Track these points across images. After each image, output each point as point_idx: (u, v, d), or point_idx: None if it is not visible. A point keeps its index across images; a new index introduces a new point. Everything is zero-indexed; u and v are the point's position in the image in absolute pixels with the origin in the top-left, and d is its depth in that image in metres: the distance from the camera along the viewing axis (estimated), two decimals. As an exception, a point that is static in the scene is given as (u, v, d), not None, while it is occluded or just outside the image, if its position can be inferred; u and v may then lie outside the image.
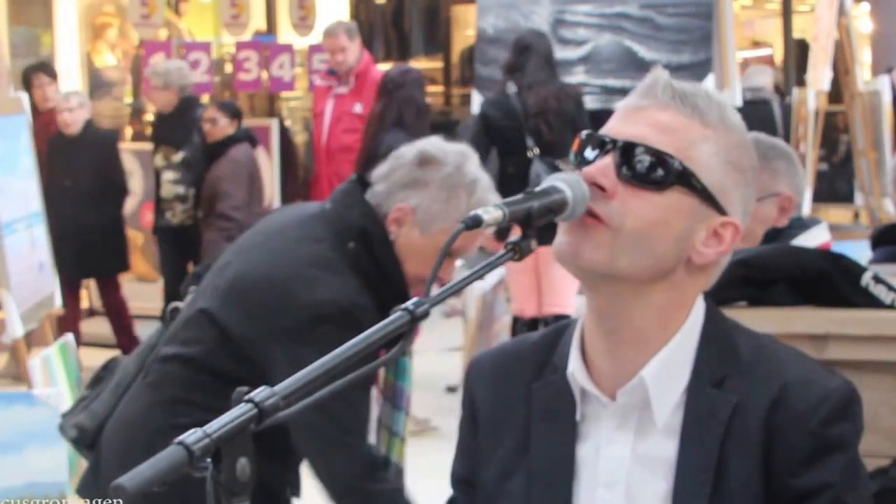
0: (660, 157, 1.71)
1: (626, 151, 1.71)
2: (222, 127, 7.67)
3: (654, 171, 1.71)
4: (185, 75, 8.34)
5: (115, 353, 8.05)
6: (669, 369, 1.73)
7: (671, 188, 1.71)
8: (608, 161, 1.71)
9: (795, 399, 1.69)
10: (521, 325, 6.86)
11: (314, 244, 2.91)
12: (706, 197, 1.73)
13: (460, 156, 2.99)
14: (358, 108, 8.28)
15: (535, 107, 6.80)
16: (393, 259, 2.90)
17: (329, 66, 8.63)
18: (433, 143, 3.01)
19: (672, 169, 1.71)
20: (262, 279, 2.86)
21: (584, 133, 1.77)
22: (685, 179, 1.71)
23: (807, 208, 7.17)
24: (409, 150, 3.00)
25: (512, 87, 6.94)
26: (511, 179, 6.69)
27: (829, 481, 1.67)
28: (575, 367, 1.77)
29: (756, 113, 8.91)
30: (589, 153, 1.74)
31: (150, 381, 2.93)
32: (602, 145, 1.73)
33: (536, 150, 6.81)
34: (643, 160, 1.71)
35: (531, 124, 6.83)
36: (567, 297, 6.74)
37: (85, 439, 2.99)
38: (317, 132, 8.75)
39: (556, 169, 6.54)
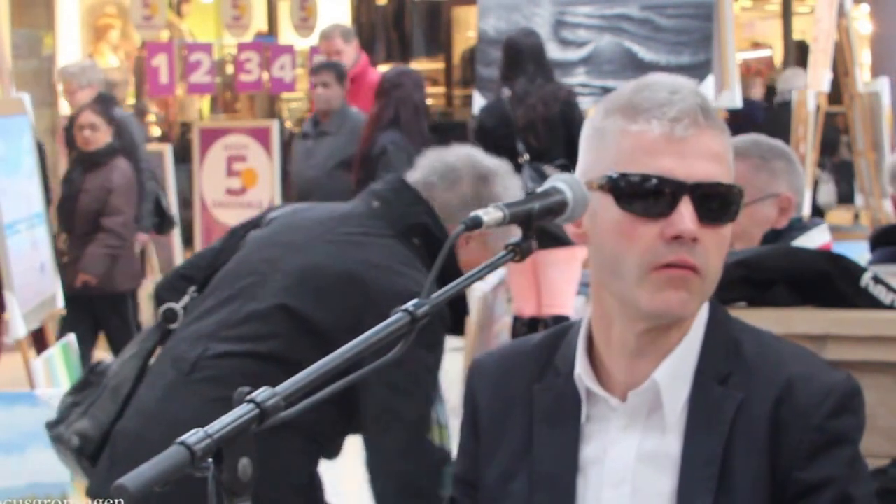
0: (731, 192, 1.72)
1: (703, 194, 1.69)
2: (103, 133, 7.10)
3: (729, 207, 1.71)
4: (99, 71, 8.06)
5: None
6: (679, 369, 1.74)
7: (738, 215, 1.73)
8: (690, 209, 1.68)
9: (799, 394, 1.70)
10: (520, 323, 6.88)
11: (384, 239, 2.95)
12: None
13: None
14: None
15: (522, 119, 6.83)
16: (454, 259, 2.93)
17: None
18: (480, 156, 3.07)
19: (738, 197, 1.73)
20: (342, 271, 2.89)
21: (641, 177, 1.70)
22: (742, 201, 1.74)
23: (807, 208, 7.17)
24: (462, 163, 3.04)
25: (506, 92, 6.96)
26: None
27: (834, 475, 1.68)
28: (582, 370, 1.77)
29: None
30: (654, 196, 1.69)
31: (206, 377, 2.89)
32: (667, 188, 1.69)
33: (526, 157, 6.83)
34: (719, 199, 1.70)
35: (521, 136, 6.86)
36: (566, 297, 6.75)
37: (89, 447, 2.95)
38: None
39: (543, 175, 6.58)
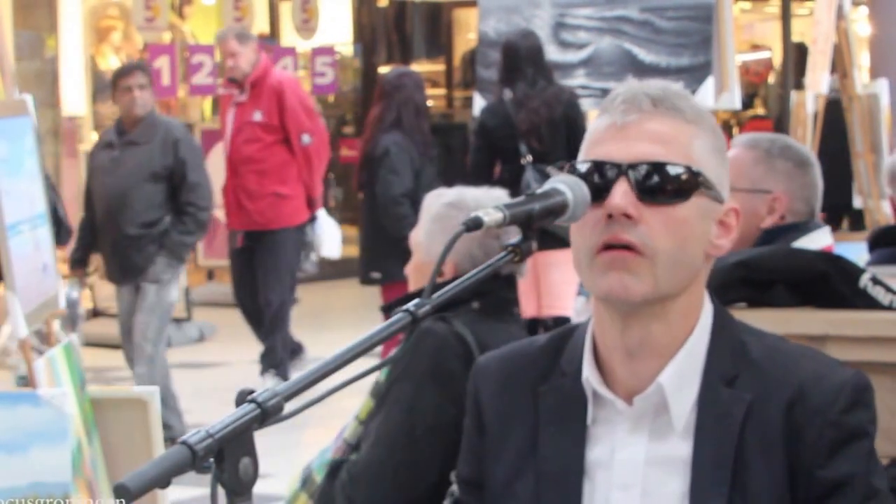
0: (675, 172, 1.72)
1: (640, 172, 1.71)
2: None
3: (674, 185, 1.72)
4: None
5: (117, 353, 8.03)
6: (684, 372, 1.75)
7: (691, 196, 1.73)
8: (625, 187, 1.70)
9: (812, 394, 1.72)
10: (520, 325, 6.87)
11: None
12: (713, 193, 1.75)
13: None
14: (257, 116, 7.83)
15: (525, 123, 6.83)
16: None
17: (229, 75, 8.01)
18: None
19: (687, 177, 1.72)
20: None
21: (583, 164, 1.74)
22: (699, 183, 1.73)
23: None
24: None
25: (508, 94, 6.96)
26: (505, 185, 6.74)
27: (856, 470, 1.70)
28: (589, 373, 1.78)
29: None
30: (596, 182, 1.72)
31: None
32: (605, 170, 1.72)
33: (529, 158, 6.84)
34: (660, 177, 1.71)
35: (523, 140, 6.86)
36: (566, 298, 6.75)
37: None
38: (225, 143, 8.20)
39: (546, 177, 6.59)
